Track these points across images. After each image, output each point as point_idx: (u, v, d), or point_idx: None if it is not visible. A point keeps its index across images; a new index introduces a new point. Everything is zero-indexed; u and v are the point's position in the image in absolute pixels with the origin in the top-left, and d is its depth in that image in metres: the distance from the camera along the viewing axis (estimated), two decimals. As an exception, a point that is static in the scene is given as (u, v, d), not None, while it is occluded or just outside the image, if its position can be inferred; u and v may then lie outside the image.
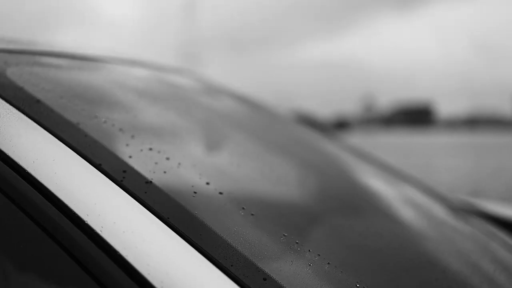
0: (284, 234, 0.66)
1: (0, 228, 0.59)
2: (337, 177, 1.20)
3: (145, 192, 0.60)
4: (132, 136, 0.75)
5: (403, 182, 1.35)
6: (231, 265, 0.53)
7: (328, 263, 0.65)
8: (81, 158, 0.63)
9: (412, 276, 0.80)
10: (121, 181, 0.61)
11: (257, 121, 1.46)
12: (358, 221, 0.95)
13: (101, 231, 0.54)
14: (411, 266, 0.83)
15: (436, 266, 0.83)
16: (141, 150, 0.72)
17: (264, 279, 0.53)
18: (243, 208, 0.68)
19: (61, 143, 0.64)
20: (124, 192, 0.59)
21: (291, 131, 1.48)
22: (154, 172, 0.65)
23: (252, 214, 0.68)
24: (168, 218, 0.57)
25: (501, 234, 1.21)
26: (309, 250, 0.66)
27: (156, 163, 0.70)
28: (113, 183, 0.60)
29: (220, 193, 0.70)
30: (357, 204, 1.03)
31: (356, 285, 0.64)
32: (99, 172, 0.61)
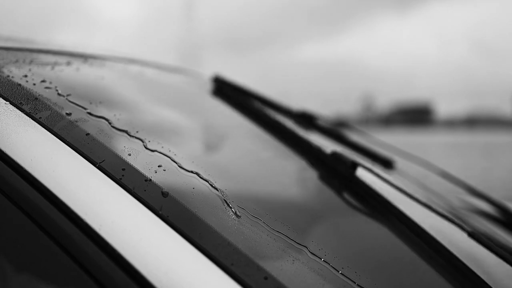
0: (285, 233, 0.66)
1: (-2, 227, 0.58)
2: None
3: (144, 190, 0.59)
4: (131, 134, 0.74)
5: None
6: (232, 264, 0.53)
7: (329, 263, 0.64)
8: (79, 156, 0.62)
9: (412, 276, 0.80)
10: (120, 179, 0.60)
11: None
12: (359, 220, 0.94)
13: (99, 229, 0.54)
14: (411, 267, 0.82)
15: (435, 266, 0.83)
16: (140, 148, 0.72)
17: (265, 278, 0.53)
18: (242, 208, 0.68)
19: (59, 140, 0.64)
20: (123, 190, 0.59)
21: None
22: (153, 170, 0.65)
23: (253, 213, 0.68)
24: (167, 216, 0.56)
25: (501, 233, 1.21)
26: (310, 250, 0.65)
27: (155, 161, 0.69)
28: (112, 181, 0.59)
29: (221, 191, 0.70)
30: (358, 203, 1.03)
31: (357, 285, 0.63)
32: (98, 170, 0.61)
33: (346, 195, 0.97)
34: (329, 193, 0.99)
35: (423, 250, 0.81)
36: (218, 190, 0.68)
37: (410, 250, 0.84)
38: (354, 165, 0.92)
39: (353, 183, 0.92)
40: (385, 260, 0.81)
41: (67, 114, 0.71)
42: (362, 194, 0.91)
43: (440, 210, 1.02)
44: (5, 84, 0.73)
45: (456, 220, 0.96)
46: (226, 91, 1.33)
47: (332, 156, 0.97)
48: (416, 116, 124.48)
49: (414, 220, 0.83)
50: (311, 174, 1.04)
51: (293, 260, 0.61)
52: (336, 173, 0.94)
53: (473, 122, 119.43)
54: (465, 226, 0.93)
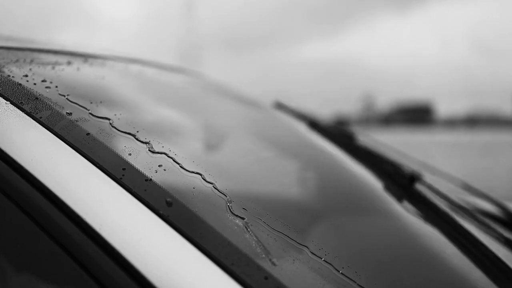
0: (285, 233, 0.66)
1: (-2, 226, 0.58)
2: (336, 176, 1.20)
3: (145, 190, 0.59)
4: (132, 134, 0.74)
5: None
6: (232, 264, 0.53)
7: (329, 262, 0.64)
8: (80, 155, 0.62)
9: (413, 276, 0.80)
10: (121, 178, 0.60)
11: (258, 120, 1.46)
12: (359, 220, 0.94)
13: (100, 229, 0.54)
14: (412, 266, 0.82)
15: (436, 266, 0.83)
16: (141, 147, 0.71)
17: (266, 278, 0.53)
18: (243, 208, 0.67)
19: (59, 140, 0.64)
20: (124, 190, 0.58)
21: (290, 130, 1.47)
22: (154, 170, 0.65)
23: (253, 213, 0.68)
24: (168, 216, 0.56)
25: (502, 232, 1.21)
26: (310, 249, 0.65)
27: (155, 160, 0.69)
28: (112, 181, 0.59)
29: (221, 191, 0.69)
30: (358, 202, 1.03)
31: (357, 284, 0.63)
32: (98, 170, 0.61)
33: (406, 203, 1.08)
34: (391, 201, 1.09)
35: (472, 253, 0.85)
36: (220, 190, 0.68)
37: (462, 254, 0.88)
38: (413, 178, 1.07)
39: (412, 193, 1.05)
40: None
41: (67, 113, 0.71)
42: (419, 203, 1.03)
43: (478, 216, 1.13)
44: (6, 84, 0.73)
45: (491, 225, 1.04)
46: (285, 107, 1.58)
47: (393, 170, 1.10)
48: (417, 115, 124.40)
49: (465, 227, 0.93)
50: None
51: (294, 260, 0.61)
52: (397, 184, 1.08)
53: (473, 121, 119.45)
54: (500, 231, 1.05)
